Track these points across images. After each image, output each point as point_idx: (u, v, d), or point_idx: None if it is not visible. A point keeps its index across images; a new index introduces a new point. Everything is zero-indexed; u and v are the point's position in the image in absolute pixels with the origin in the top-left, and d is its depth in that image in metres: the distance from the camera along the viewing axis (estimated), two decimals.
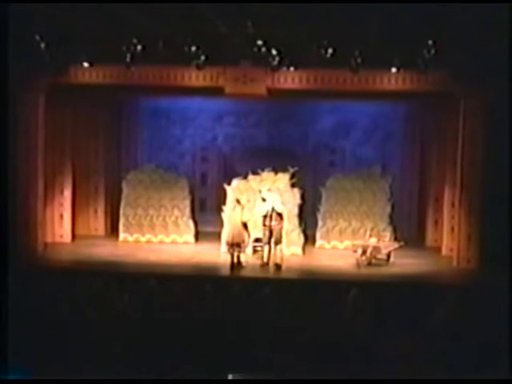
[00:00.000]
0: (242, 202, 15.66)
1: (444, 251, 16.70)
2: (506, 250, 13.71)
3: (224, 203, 16.72)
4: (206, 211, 19.38)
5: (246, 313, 9.58)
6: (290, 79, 15.18)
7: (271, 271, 14.72)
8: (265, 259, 15.08)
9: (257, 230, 15.76)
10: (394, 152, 19.28)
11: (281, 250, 15.06)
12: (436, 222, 17.85)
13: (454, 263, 15.48)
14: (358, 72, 14.31)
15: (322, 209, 17.48)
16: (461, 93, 14.92)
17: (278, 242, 14.93)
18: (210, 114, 19.43)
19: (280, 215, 14.95)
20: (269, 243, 14.94)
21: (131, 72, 14.75)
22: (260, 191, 15.65)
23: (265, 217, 14.98)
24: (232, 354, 8.45)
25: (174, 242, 17.64)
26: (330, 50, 13.32)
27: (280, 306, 9.95)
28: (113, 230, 18.49)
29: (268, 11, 11.21)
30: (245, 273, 14.57)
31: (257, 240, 15.86)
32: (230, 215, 15.79)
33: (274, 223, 14.84)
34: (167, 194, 17.83)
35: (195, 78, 15.23)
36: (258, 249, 15.89)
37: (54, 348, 8.47)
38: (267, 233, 14.94)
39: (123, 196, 17.90)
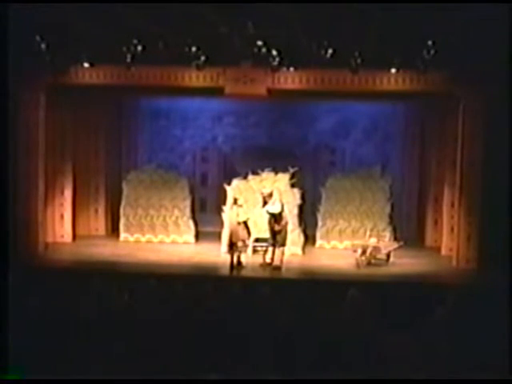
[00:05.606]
0: (240, 202, 15.65)
1: (444, 251, 16.71)
2: (506, 250, 13.72)
3: (224, 203, 16.72)
4: (206, 211, 19.39)
5: (246, 313, 9.57)
6: (290, 79, 15.19)
7: (270, 272, 14.72)
8: (267, 260, 15.08)
9: (257, 230, 15.77)
10: (394, 152, 19.29)
11: (283, 252, 15.03)
12: (436, 222, 17.86)
13: (454, 263, 15.49)
14: (357, 72, 14.33)
15: (322, 209, 17.49)
16: (460, 93, 14.93)
17: (281, 243, 14.93)
18: (210, 115, 19.42)
19: (280, 215, 14.90)
20: (273, 245, 14.95)
21: (131, 72, 14.76)
22: (262, 193, 15.48)
23: (269, 218, 14.98)
24: (232, 353, 8.45)
25: (174, 242, 17.66)
26: (329, 51, 13.33)
27: (280, 306, 9.95)
28: (113, 230, 18.51)
29: (268, 11, 11.22)
30: (245, 273, 14.58)
31: (257, 240, 15.86)
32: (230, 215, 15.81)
33: (277, 225, 14.84)
34: (167, 194, 17.83)
35: (195, 78, 15.24)
36: (258, 249, 15.88)
37: (54, 348, 8.47)
38: (271, 234, 14.96)
39: (123, 196, 17.91)
